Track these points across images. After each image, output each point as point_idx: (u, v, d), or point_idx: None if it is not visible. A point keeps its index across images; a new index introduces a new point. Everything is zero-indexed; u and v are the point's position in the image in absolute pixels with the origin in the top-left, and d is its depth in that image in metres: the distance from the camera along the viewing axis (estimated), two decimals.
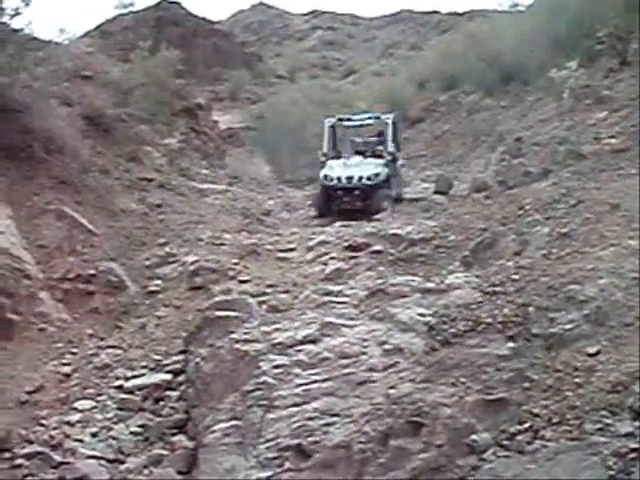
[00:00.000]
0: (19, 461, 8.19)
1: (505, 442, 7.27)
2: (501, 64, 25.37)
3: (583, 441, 6.86)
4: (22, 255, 10.79)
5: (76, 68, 17.49)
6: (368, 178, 17.42)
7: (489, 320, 8.59)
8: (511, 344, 8.26)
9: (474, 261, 10.94)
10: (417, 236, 12.52)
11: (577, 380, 7.55)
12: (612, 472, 6.42)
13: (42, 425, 8.82)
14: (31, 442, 8.49)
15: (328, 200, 17.54)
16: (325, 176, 17.85)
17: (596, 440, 6.79)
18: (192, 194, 16.31)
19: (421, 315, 8.95)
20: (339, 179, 17.58)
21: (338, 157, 19.00)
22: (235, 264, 12.18)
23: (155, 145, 18.24)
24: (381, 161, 18.25)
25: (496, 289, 9.25)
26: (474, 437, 7.34)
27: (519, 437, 7.26)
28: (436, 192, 18.41)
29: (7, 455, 8.29)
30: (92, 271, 11.73)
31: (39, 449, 8.36)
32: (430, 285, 9.94)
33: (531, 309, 8.58)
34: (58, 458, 8.28)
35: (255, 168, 23.90)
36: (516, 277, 9.40)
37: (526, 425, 7.32)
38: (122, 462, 8.44)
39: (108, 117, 16.72)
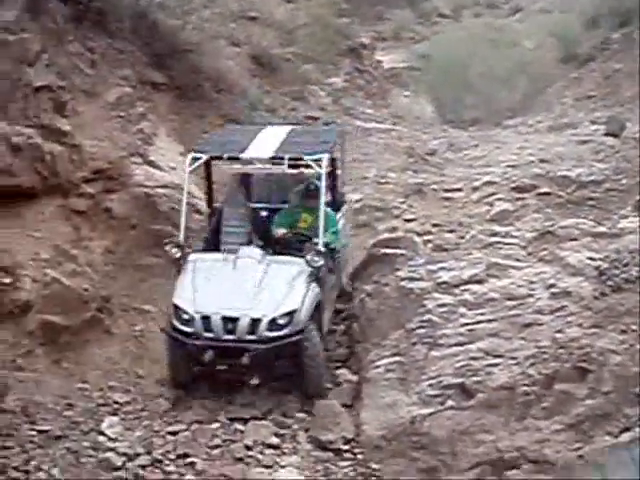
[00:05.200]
0: None
1: None
2: None
3: None
4: (192, 191, 11.21)
5: (242, 9, 17.76)
6: (272, 324, 8.28)
7: None
8: None
9: None
10: (587, 178, 12.13)
11: None
12: None
13: None
14: None
15: (188, 360, 8.62)
16: (177, 314, 8.48)
17: None
18: (357, 133, 16.33)
19: (591, 259, 8.69)
20: (206, 324, 8.33)
21: (214, 248, 9.38)
22: (400, 203, 12.20)
23: (320, 84, 18.36)
24: (304, 268, 8.61)
25: None
26: None
27: None
28: (606, 134, 17.64)
29: None
30: None
31: None
32: (601, 229, 9.65)
33: None
34: None
35: (419, 108, 23.55)
36: None
37: None
38: None
39: (274, 57, 16.98)
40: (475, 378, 7.57)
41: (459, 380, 7.63)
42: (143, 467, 7.48)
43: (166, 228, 10.19)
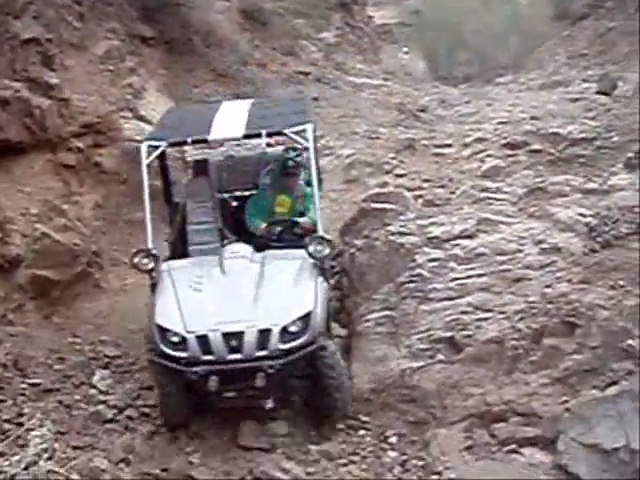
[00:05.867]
0: None
1: None
2: None
3: None
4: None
5: None
6: (284, 334, 6.93)
7: None
8: None
9: (639, 164, 10.49)
10: (578, 136, 12.11)
11: None
12: None
13: None
14: None
15: (185, 392, 7.20)
16: (164, 337, 7.03)
17: None
18: (348, 88, 16.25)
19: (581, 215, 8.72)
20: (204, 345, 6.91)
21: (182, 254, 8.15)
22: (391, 158, 12.18)
23: (311, 39, 18.22)
24: (306, 260, 7.43)
25: None
26: (631, 342, 7.18)
27: None
28: (598, 92, 17.59)
29: None
30: None
31: None
32: (591, 185, 9.65)
33: None
34: None
35: (410, 64, 23.43)
36: None
37: None
38: None
39: (265, 11, 16.82)
40: (464, 332, 7.62)
41: (448, 334, 7.68)
42: (132, 419, 7.54)
43: (156, 183, 10.15)
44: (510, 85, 18.58)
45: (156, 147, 7.79)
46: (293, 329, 6.91)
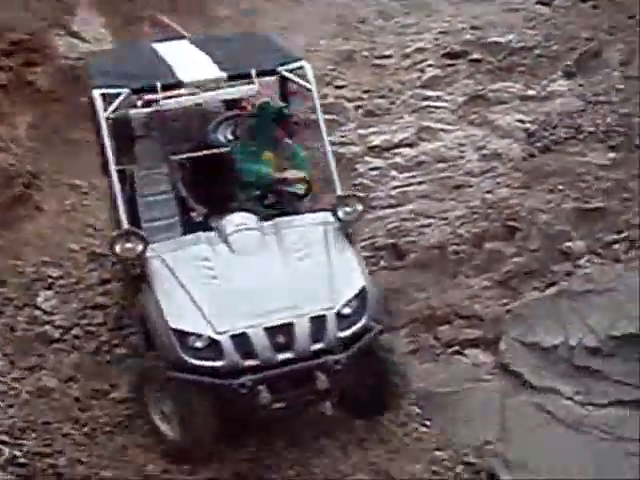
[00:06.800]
0: None
1: (600, 250, 7.30)
2: None
3: None
4: None
5: None
6: (340, 319, 5.59)
7: (591, 129, 8.44)
8: (612, 154, 8.14)
9: (577, 71, 10.53)
10: (518, 45, 12.07)
11: None
12: None
13: None
14: None
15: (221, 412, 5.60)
16: (185, 343, 5.43)
17: None
18: (286, 1, 15.91)
19: (520, 122, 8.82)
20: (243, 346, 5.40)
21: (187, 230, 6.44)
22: (331, 70, 12.01)
23: None
24: (329, 226, 6.05)
25: (600, 98, 9.01)
26: (569, 244, 7.37)
27: (615, 246, 7.27)
28: (538, 2, 17.54)
29: None
30: None
31: None
32: (531, 92, 9.71)
33: (635, 120, 8.38)
34: None
35: None
36: (621, 87, 9.13)
37: (623, 234, 7.31)
38: None
39: None
40: (407, 239, 7.73)
41: (391, 241, 7.76)
42: (78, 338, 7.51)
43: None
44: None
45: (114, 96, 6.07)
46: (347, 311, 5.57)
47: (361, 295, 5.65)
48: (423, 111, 9.60)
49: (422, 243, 7.65)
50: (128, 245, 5.69)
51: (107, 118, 6.08)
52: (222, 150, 6.67)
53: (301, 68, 6.37)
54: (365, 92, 10.99)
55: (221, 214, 6.16)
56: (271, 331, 5.37)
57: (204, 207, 6.49)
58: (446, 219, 7.78)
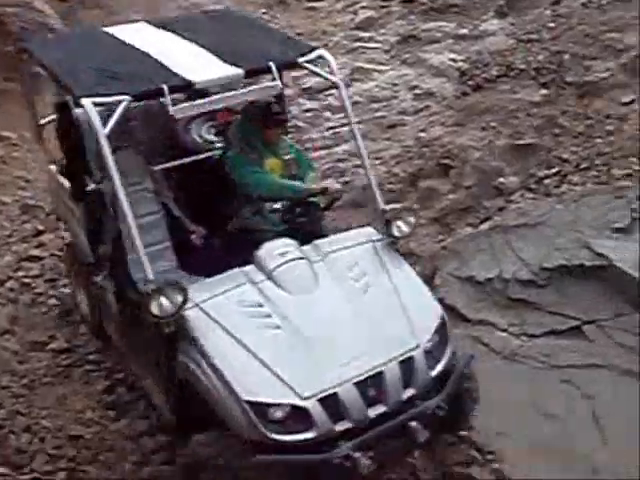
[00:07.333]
0: None
1: (533, 185, 7.36)
2: None
3: (610, 185, 6.91)
4: None
5: None
6: (428, 358, 4.62)
7: (523, 66, 8.48)
8: (544, 91, 8.17)
9: (509, 10, 10.58)
10: None
11: (608, 128, 7.54)
12: (636, 215, 6.48)
13: None
14: None
15: None
16: (263, 416, 4.24)
17: (623, 184, 6.83)
18: None
19: (453, 60, 8.85)
20: (333, 409, 4.30)
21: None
22: (263, 14, 11.90)
23: None
24: (377, 244, 5.08)
25: (531, 36, 9.04)
26: (502, 180, 7.43)
27: (547, 181, 7.34)
28: None
29: None
30: None
31: None
32: (463, 31, 9.75)
33: (566, 57, 8.43)
34: None
35: None
36: (552, 25, 9.16)
37: (554, 170, 7.37)
38: None
39: None
40: (342, 179, 7.71)
41: (326, 182, 7.74)
42: (13, 290, 7.41)
43: None
44: None
45: (107, 105, 4.64)
46: (430, 346, 4.69)
47: (442, 326, 4.83)
48: (356, 52, 9.59)
49: (357, 183, 7.62)
50: (164, 301, 4.44)
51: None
52: (212, 154, 5.78)
53: (321, 58, 5.30)
54: (298, 35, 10.90)
55: (228, 236, 5.41)
56: (362, 385, 4.42)
57: (203, 228, 5.66)
58: (381, 158, 7.78)
